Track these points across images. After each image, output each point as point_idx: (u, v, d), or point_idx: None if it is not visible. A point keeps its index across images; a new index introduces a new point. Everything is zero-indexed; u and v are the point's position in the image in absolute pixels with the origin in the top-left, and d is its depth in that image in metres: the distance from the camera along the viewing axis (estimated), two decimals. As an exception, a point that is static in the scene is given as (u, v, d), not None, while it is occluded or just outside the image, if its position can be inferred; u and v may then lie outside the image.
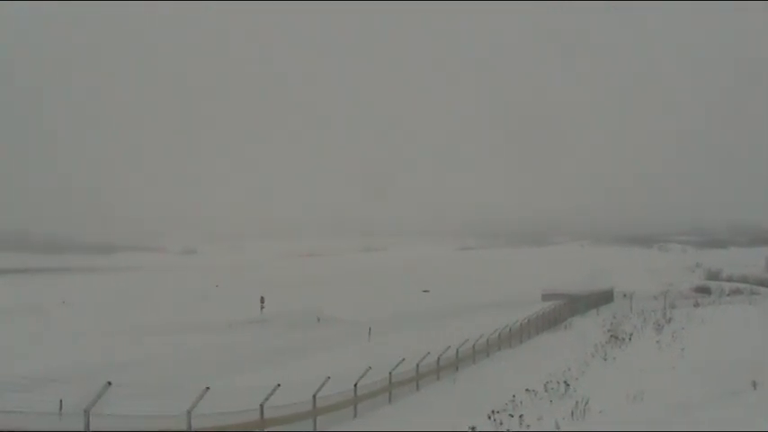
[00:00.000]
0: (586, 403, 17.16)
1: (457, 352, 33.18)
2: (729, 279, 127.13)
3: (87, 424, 13.54)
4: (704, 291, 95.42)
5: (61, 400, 17.67)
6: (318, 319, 59.64)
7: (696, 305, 55.03)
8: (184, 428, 15.57)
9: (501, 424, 16.94)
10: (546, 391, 21.74)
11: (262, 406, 18.31)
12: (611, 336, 37.05)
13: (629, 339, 34.76)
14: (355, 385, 23.29)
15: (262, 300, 65.18)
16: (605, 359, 29.31)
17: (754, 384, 17.22)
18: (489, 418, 17.69)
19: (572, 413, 16.51)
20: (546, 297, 78.20)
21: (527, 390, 21.80)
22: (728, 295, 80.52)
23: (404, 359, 27.03)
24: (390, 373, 26.07)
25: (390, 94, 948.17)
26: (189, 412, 15.62)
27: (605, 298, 74.23)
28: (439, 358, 30.85)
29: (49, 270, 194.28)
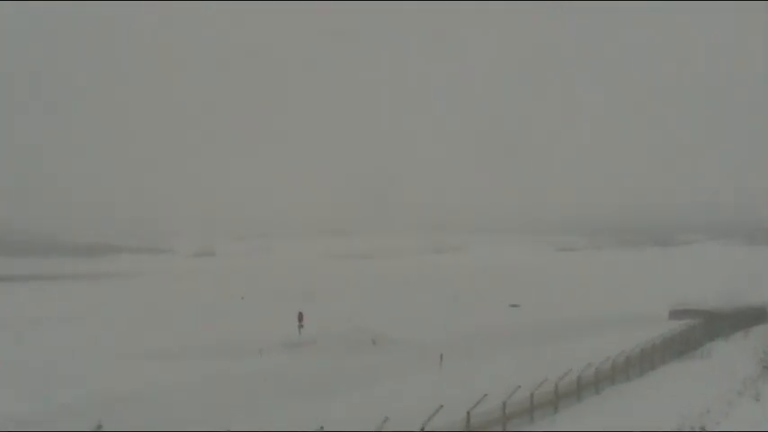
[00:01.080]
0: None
1: (556, 387, 32.67)
2: None
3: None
4: None
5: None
6: (374, 341, 59.47)
7: None
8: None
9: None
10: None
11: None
12: (764, 367, 36.06)
13: (790, 372, 33.78)
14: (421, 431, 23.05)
15: (300, 316, 65.24)
16: (757, 399, 28.48)
17: None
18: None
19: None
20: (674, 314, 77.30)
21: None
22: None
23: (486, 395, 26.66)
24: (468, 413, 25.75)
25: (398, 92, 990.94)
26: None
27: (756, 316, 72.76)
28: (532, 395, 30.42)
29: (41, 277, 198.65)
